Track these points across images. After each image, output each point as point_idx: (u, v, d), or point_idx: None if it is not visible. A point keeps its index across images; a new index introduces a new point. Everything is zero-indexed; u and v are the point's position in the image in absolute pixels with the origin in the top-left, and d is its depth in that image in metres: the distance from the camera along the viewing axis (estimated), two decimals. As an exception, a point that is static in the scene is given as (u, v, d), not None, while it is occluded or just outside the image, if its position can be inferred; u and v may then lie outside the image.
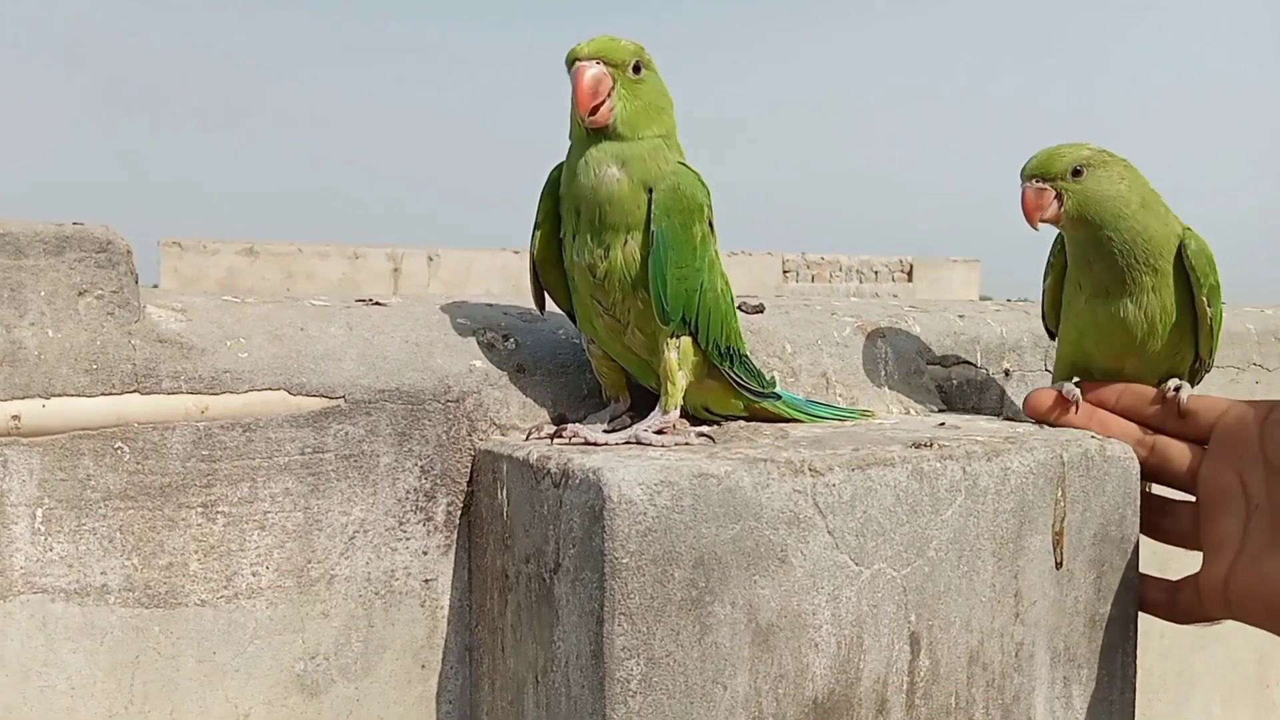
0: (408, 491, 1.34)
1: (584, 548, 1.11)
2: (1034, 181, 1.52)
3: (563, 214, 1.33)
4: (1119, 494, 1.43)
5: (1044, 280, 1.69)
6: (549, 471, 1.19)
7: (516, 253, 14.57)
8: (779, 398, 1.49)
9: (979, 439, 1.39)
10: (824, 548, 1.19)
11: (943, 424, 1.54)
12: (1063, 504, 1.37)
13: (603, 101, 1.24)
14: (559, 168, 1.34)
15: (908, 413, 1.69)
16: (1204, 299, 1.52)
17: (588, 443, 1.27)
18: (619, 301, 1.31)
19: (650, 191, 1.27)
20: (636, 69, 1.27)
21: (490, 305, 1.55)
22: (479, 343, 1.43)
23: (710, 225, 1.33)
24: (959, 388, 1.81)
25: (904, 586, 1.24)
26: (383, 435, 1.32)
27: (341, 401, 1.30)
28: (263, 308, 1.38)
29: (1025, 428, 1.49)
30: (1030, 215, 1.50)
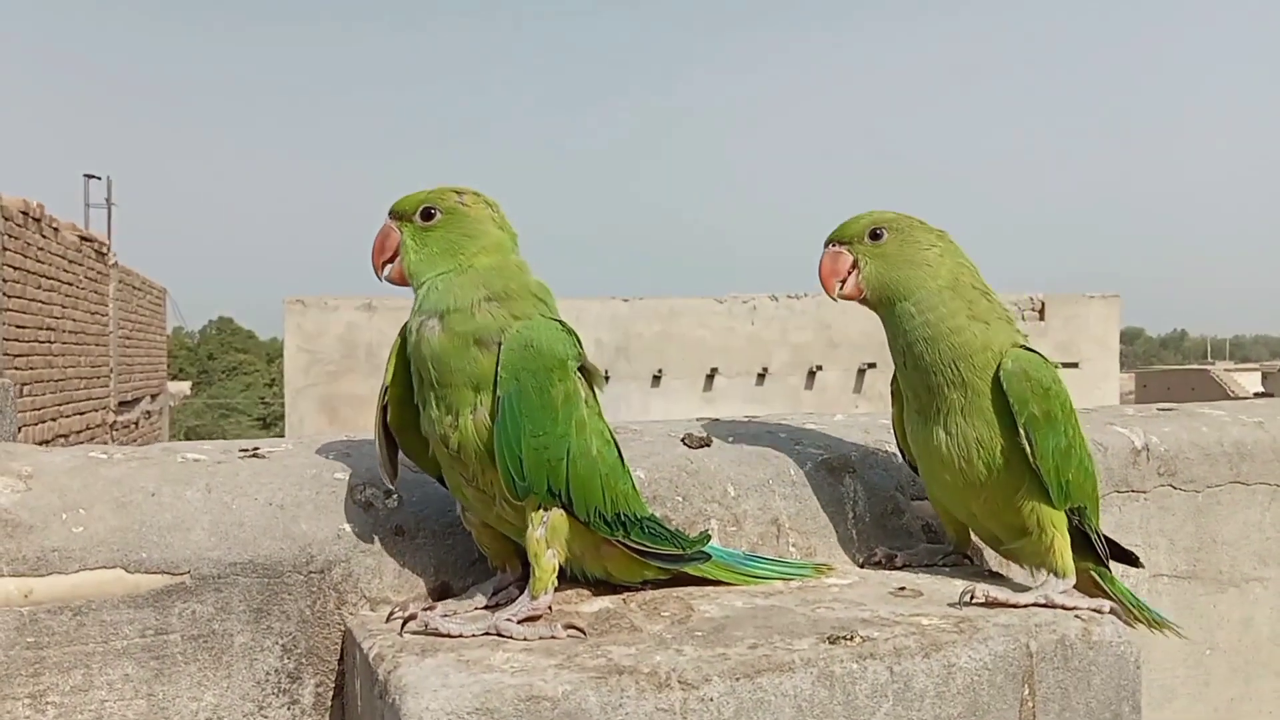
0: (268, 673, 1.21)
1: (391, 784, 0.94)
2: (832, 246, 1.34)
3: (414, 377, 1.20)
4: (1110, 689, 1.17)
5: (892, 407, 1.45)
6: (378, 678, 1.03)
7: (625, 300, 14.63)
8: (707, 558, 1.29)
9: (925, 621, 1.16)
10: (698, 778, 0.99)
11: (902, 589, 1.31)
12: (1031, 705, 1.13)
13: (391, 258, 1.19)
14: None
15: (880, 564, 1.45)
16: (1023, 428, 1.24)
17: (438, 634, 1.10)
18: (479, 474, 1.15)
19: (499, 348, 1.13)
20: (427, 215, 1.17)
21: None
22: (354, 502, 1.29)
23: (580, 378, 1.17)
24: (953, 525, 1.55)
25: (808, 821, 1.02)
26: (236, 613, 1.19)
27: (186, 578, 1.18)
28: (121, 468, 1.27)
29: (986, 609, 1.22)
30: (826, 282, 1.33)
